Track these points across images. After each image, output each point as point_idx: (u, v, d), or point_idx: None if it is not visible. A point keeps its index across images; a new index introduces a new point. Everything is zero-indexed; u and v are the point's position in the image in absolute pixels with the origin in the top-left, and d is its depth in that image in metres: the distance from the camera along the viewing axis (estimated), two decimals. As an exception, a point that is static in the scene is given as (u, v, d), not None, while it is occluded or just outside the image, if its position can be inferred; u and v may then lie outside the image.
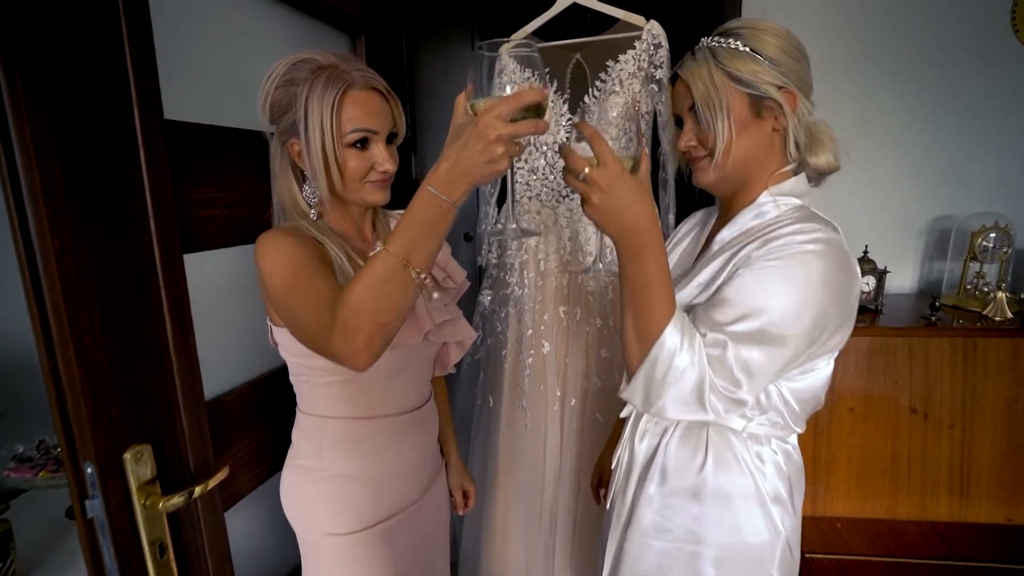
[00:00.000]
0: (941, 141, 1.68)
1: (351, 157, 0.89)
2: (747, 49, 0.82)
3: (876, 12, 1.64)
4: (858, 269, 0.83)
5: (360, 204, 0.96)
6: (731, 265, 0.81)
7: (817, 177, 0.88)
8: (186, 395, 0.87)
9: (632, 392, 0.79)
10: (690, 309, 0.84)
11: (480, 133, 0.64)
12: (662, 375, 0.75)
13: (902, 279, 1.72)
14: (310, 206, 0.94)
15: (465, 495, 1.34)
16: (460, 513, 1.35)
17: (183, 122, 0.89)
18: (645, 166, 0.76)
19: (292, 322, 0.85)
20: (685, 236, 1.05)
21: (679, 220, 1.57)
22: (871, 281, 1.49)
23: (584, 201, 0.74)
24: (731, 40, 0.83)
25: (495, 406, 1.68)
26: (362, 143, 0.89)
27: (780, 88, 0.81)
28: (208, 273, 0.98)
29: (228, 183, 0.98)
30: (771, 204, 0.86)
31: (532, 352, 1.58)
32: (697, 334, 0.76)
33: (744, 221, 0.87)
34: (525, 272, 1.60)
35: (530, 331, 1.58)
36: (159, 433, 0.83)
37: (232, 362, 1.06)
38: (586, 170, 0.72)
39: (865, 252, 1.54)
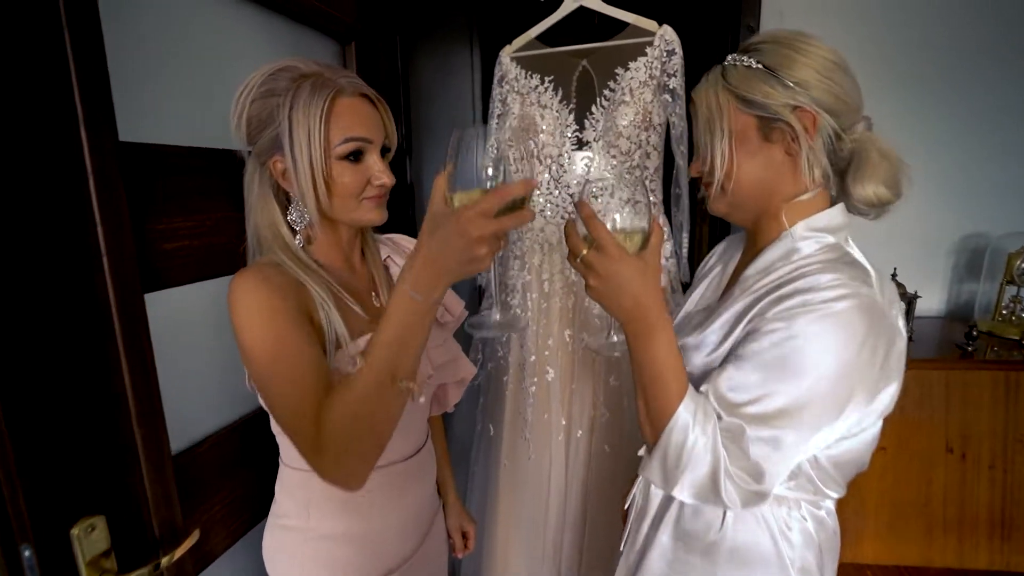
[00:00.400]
0: (968, 152, 1.57)
1: (344, 171, 0.79)
2: (760, 67, 0.73)
3: (901, 13, 1.54)
4: (898, 323, 0.73)
5: (354, 225, 0.86)
6: (747, 318, 0.74)
7: (868, 209, 0.76)
8: (149, 452, 0.77)
9: (651, 472, 0.75)
10: (707, 374, 0.76)
11: (462, 231, 0.59)
12: (675, 458, 0.70)
13: (929, 301, 1.62)
14: (295, 232, 0.84)
15: (464, 536, 1.26)
16: (459, 556, 1.26)
17: (145, 144, 0.79)
18: (656, 239, 0.72)
19: (268, 402, 0.76)
20: (714, 267, 0.97)
21: (693, 239, 1.48)
22: (900, 306, 1.39)
23: (585, 283, 0.72)
24: (746, 57, 0.75)
25: (495, 434, 1.59)
26: (355, 156, 0.79)
27: (795, 109, 0.72)
28: (178, 309, 0.88)
29: (199, 210, 0.88)
30: (800, 241, 0.76)
31: (535, 379, 1.48)
32: (713, 416, 0.70)
33: (769, 259, 0.78)
34: (528, 294, 1.50)
35: (533, 357, 1.48)
36: (116, 499, 0.73)
37: (207, 406, 0.96)
38: (584, 252, 0.70)
39: (894, 275, 1.44)
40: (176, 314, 0.87)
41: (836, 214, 0.77)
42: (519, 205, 0.62)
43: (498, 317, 0.77)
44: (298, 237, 0.83)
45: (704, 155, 0.78)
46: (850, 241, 0.79)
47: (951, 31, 1.53)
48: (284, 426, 0.75)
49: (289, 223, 0.83)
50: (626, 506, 0.98)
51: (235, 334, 0.73)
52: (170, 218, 0.82)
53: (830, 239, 0.76)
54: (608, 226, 0.71)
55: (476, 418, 1.70)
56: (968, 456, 1.26)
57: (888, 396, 0.73)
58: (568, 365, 1.49)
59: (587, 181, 0.72)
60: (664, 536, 0.87)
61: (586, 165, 1.45)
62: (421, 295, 0.64)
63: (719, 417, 0.70)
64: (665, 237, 1.44)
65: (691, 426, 0.69)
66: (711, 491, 0.70)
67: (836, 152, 0.75)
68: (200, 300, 0.91)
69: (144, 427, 0.76)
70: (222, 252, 0.91)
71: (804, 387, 0.67)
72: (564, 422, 1.49)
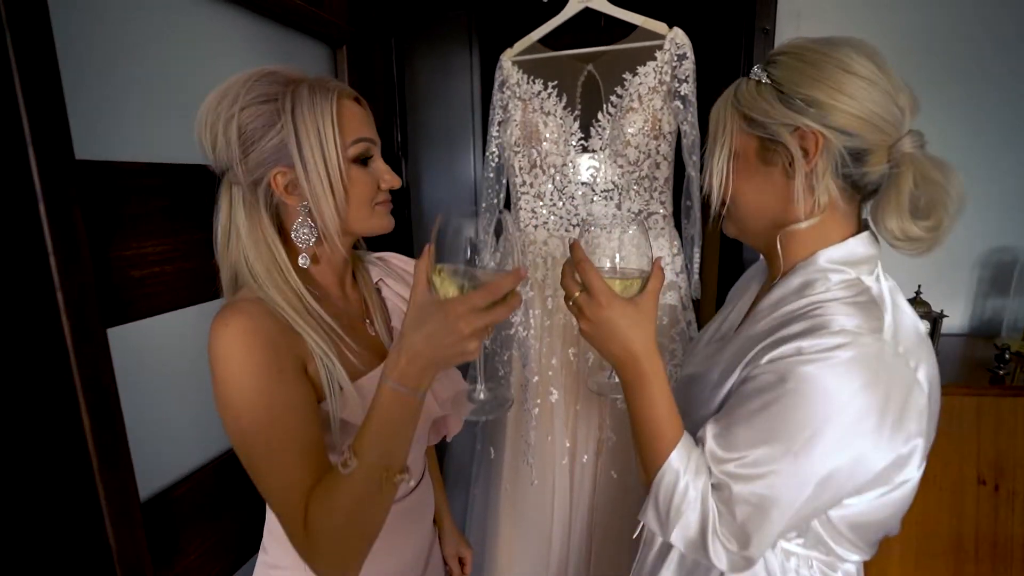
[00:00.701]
0: (993, 160, 1.50)
1: (357, 176, 0.73)
2: (768, 82, 0.67)
3: (925, 12, 1.46)
4: (918, 374, 0.64)
5: (368, 234, 0.80)
6: (746, 359, 0.68)
7: (898, 244, 0.65)
8: (113, 503, 0.69)
9: (648, 519, 0.72)
10: (709, 414, 0.71)
11: (452, 327, 0.58)
12: (666, 507, 0.68)
13: (952, 317, 1.54)
14: (295, 253, 0.75)
15: (461, 562, 1.18)
16: (457, 584, 1.19)
17: (108, 162, 0.71)
18: (655, 284, 0.70)
19: (252, 475, 0.68)
20: (742, 292, 0.90)
21: (704, 253, 1.41)
22: (926, 326, 1.31)
23: (578, 326, 0.71)
24: (760, 70, 0.69)
25: (496, 457, 1.51)
26: (364, 160, 0.75)
27: (795, 130, 0.65)
28: (149, 339, 0.80)
29: (172, 233, 0.80)
30: (815, 273, 0.69)
31: (538, 400, 1.41)
32: (705, 470, 0.68)
33: (782, 292, 0.72)
34: (530, 311, 1.42)
35: (536, 377, 1.41)
36: (76, 559, 0.65)
37: (182, 444, 0.89)
38: (576, 294, 0.69)
39: (918, 293, 1.36)
40: (147, 345, 0.80)
41: (858, 244, 0.69)
42: (508, 292, 0.61)
43: (483, 396, 0.73)
44: (303, 256, 0.75)
45: (704, 174, 0.75)
46: (879, 274, 0.70)
47: (981, 28, 1.46)
48: (270, 506, 0.70)
49: (293, 239, 0.74)
50: (634, 536, 0.92)
51: (214, 389, 0.65)
52: (139, 242, 0.75)
53: (850, 273, 0.68)
54: (607, 265, 0.68)
55: (476, 436, 1.63)
56: (1002, 488, 1.19)
57: (912, 458, 0.65)
58: (572, 385, 1.41)
59: (585, 221, 0.68)
60: (668, 573, 0.82)
61: (591, 175, 1.37)
62: (409, 389, 0.61)
63: (709, 471, 0.67)
64: (675, 252, 1.37)
65: (681, 475, 0.66)
66: (700, 547, 0.67)
67: (859, 177, 0.66)
68: (174, 328, 0.84)
69: (108, 475, 0.68)
70: (198, 277, 0.83)
71: (793, 447, 0.61)
72: (568, 445, 1.41)
